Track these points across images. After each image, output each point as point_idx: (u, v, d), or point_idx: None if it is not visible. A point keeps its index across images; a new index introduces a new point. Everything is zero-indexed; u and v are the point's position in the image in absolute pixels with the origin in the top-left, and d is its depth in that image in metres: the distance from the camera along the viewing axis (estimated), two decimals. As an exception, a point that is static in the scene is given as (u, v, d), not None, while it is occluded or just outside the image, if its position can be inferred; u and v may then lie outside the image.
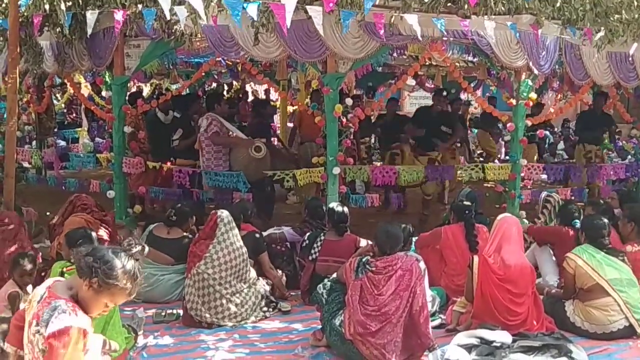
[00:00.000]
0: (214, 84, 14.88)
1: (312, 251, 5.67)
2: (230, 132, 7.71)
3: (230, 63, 11.20)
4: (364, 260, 4.44)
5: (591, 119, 9.87)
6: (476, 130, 13.80)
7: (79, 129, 14.05)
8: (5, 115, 9.04)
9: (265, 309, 5.44)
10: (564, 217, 5.99)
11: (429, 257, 5.51)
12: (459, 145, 11.01)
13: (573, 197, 7.95)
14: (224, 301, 5.18)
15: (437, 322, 5.07)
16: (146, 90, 14.87)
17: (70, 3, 6.30)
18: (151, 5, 5.95)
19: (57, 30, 6.79)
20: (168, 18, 5.46)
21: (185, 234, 5.94)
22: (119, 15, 5.49)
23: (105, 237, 5.76)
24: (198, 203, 7.49)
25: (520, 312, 4.77)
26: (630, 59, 7.50)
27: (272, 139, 9.96)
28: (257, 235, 5.85)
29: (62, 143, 13.02)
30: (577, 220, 5.79)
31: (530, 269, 4.92)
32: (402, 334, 4.27)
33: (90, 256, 2.70)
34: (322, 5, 5.53)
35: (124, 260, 2.74)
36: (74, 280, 2.77)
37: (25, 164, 10.66)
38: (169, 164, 7.83)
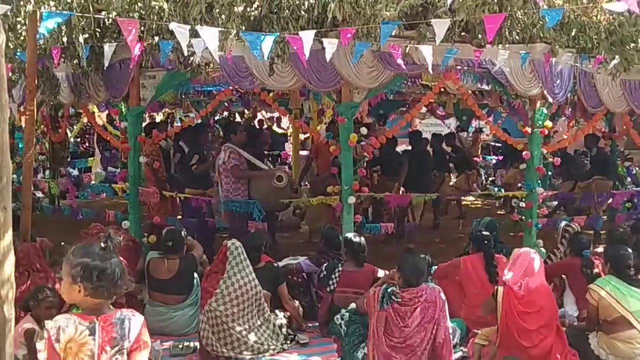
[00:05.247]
0: (225, 113, 14.94)
1: (330, 282, 5.62)
2: (249, 162, 7.70)
3: (242, 91, 11.24)
4: (389, 290, 4.38)
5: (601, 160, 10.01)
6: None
7: (91, 158, 14.12)
8: (20, 145, 9.13)
9: (283, 341, 5.38)
10: (573, 247, 5.99)
11: (448, 288, 5.39)
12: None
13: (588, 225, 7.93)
14: (239, 336, 5.12)
15: (458, 354, 5.00)
16: (158, 119, 14.94)
17: (87, 35, 6.37)
18: (168, 38, 6.00)
19: (74, 62, 6.84)
20: (185, 54, 5.51)
21: (183, 256, 5.90)
22: (136, 49, 5.52)
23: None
24: (209, 231, 7.50)
25: (544, 337, 4.68)
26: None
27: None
28: (276, 266, 5.81)
29: (75, 172, 13.06)
30: (587, 251, 5.80)
31: (553, 299, 4.87)
32: (425, 366, 4.23)
33: (107, 277, 2.75)
34: (338, 37, 5.56)
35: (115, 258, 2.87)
36: (99, 302, 2.79)
37: (38, 194, 10.70)
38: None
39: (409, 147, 10.13)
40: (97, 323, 2.76)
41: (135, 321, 2.80)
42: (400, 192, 9.21)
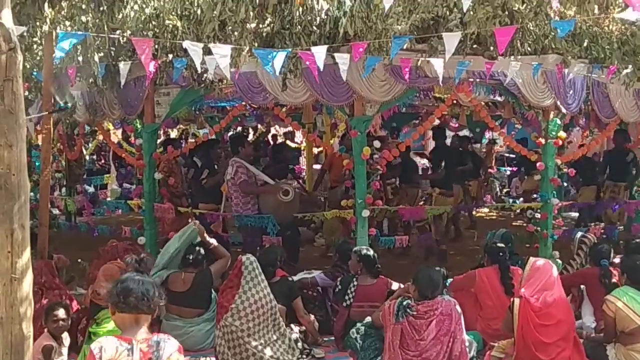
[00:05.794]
0: (239, 128, 15.02)
1: (346, 297, 5.60)
2: (257, 176, 7.72)
3: (255, 106, 11.30)
4: (404, 303, 4.38)
5: (618, 157, 9.85)
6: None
7: (107, 175, 14.23)
8: (37, 163, 9.24)
9: (298, 356, 5.37)
10: (593, 257, 5.95)
11: (464, 300, 5.38)
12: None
13: (605, 236, 7.85)
14: (255, 351, 5.10)
15: (475, 368, 4.97)
16: (173, 135, 15.07)
17: (102, 54, 6.46)
18: (182, 55, 6.08)
19: (90, 80, 6.93)
20: (199, 71, 5.57)
21: (200, 270, 5.88)
22: (151, 67, 5.59)
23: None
24: (224, 245, 7.50)
25: (561, 350, 4.64)
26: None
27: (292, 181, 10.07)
28: (291, 280, 5.82)
29: (91, 189, 13.17)
30: (605, 260, 5.74)
31: (571, 312, 4.83)
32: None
33: (144, 296, 2.96)
34: (349, 52, 5.59)
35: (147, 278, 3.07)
36: (137, 320, 2.96)
37: (55, 211, 10.79)
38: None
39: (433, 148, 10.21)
40: (135, 344, 2.92)
41: (169, 344, 2.97)
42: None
